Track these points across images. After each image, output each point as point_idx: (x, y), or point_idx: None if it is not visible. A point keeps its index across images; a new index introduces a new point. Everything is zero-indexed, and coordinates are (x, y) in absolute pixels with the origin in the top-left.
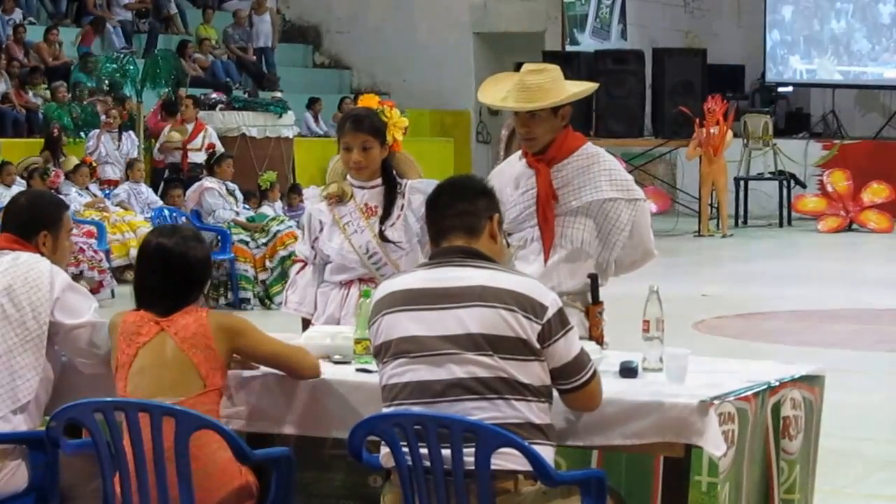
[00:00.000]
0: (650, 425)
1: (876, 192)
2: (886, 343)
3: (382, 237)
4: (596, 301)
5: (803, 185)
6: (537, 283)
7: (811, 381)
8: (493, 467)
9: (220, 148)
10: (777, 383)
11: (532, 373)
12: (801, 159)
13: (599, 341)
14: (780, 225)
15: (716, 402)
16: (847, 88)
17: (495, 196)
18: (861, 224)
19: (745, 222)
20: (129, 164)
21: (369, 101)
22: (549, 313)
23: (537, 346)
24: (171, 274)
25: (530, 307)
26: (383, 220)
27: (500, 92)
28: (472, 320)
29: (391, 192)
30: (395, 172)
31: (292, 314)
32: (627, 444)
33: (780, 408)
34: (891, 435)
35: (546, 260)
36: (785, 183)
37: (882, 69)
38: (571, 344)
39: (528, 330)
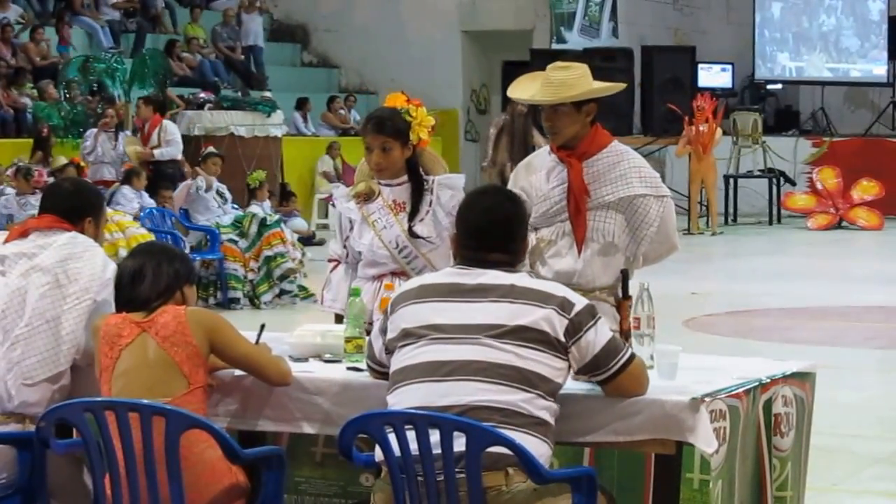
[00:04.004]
0: (641, 423)
1: (865, 189)
2: (876, 340)
3: (412, 233)
4: (626, 296)
5: (793, 183)
6: (566, 288)
7: (802, 378)
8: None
9: (176, 140)
10: (768, 380)
11: (548, 366)
12: (790, 157)
13: (628, 335)
14: (770, 222)
15: (707, 399)
16: (836, 86)
17: (527, 215)
18: (850, 221)
19: (734, 220)
20: (132, 173)
21: (396, 100)
22: (577, 308)
23: (563, 339)
24: (149, 259)
25: (558, 303)
26: (412, 216)
27: (531, 88)
28: (499, 312)
29: (418, 189)
30: (421, 170)
31: (326, 311)
32: (619, 442)
33: (771, 405)
34: (881, 431)
35: (579, 253)
36: (774, 180)
37: (871, 66)
38: (602, 334)
39: (556, 324)
